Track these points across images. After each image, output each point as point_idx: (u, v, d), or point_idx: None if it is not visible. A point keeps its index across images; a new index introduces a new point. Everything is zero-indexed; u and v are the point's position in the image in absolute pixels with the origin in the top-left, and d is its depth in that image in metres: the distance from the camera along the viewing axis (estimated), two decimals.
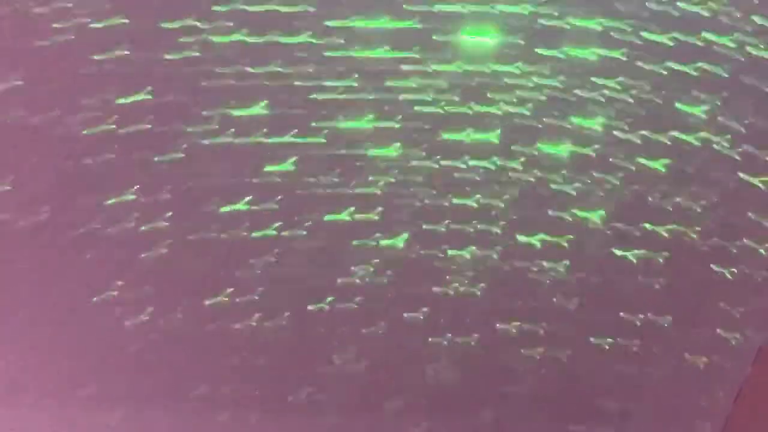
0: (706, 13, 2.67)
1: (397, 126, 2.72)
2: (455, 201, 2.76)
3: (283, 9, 2.64)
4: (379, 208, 2.77)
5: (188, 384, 2.84)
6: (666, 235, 2.78)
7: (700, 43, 2.68)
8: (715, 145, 2.71)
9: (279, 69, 2.65)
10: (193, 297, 2.77)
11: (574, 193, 2.76)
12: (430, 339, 2.84)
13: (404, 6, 2.64)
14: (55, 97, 2.61)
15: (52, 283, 2.72)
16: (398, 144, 2.73)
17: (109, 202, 2.69)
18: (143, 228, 2.72)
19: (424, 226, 2.78)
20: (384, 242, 2.77)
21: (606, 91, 2.70)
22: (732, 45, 2.66)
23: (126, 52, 2.61)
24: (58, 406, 2.78)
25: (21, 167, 2.64)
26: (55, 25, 2.60)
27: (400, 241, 2.78)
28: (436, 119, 2.72)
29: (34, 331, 2.75)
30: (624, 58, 2.68)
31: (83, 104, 2.62)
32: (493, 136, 2.73)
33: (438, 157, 2.74)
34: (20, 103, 2.60)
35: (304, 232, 2.75)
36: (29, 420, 2.76)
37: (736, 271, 2.77)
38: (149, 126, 2.65)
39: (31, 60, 2.59)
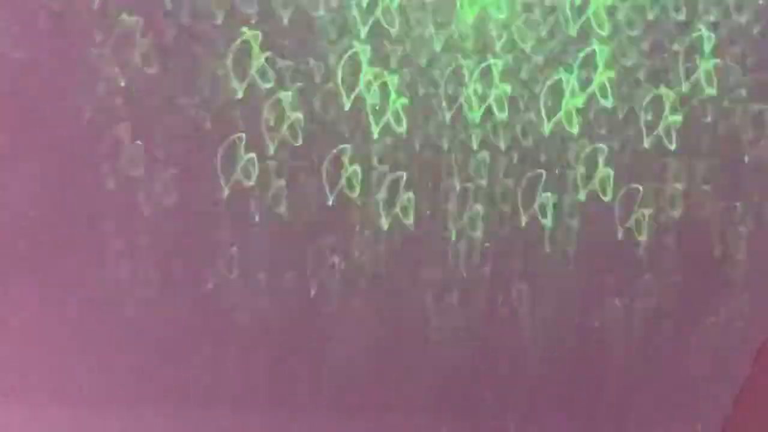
0: None
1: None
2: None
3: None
4: (383, 190, 2.76)
5: (188, 384, 2.84)
6: (667, 236, 2.78)
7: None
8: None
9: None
10: (192, 299, 2.77)
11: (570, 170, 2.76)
12: (430, 339, 2.86)
13: None
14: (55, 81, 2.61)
15: (53, 284, 2.72)
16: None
17: (111, 200, 2.70)
18: (144, 231, 2.72)
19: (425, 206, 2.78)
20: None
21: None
22: None
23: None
24: (58, 406, 2.78)
25: (18, 164, 2.64)
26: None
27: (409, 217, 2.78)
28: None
29: (35, 332, 2.75)
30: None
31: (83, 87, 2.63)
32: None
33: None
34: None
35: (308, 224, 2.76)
36: (30, 420, 2.76)
37: (736, 271, 2.77)
38: (155, 104, 2.66)
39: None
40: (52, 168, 2.67)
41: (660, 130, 2.73)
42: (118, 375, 2.80)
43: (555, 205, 2.76)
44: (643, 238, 2.76)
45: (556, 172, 2.74)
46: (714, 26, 2.71)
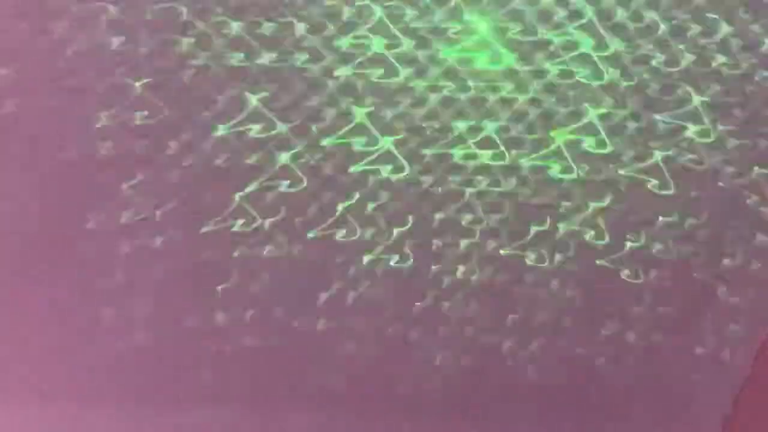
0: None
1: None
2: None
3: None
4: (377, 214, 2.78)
5: (188, 384, 2.84)
6: (665, 234, 2.78)
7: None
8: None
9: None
10: (191, 297, 2.78)
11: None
12: (431, 339, 2.87)
13: None
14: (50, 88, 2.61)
15: (51, 284, 2.73)
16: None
17: (107, 197, 2.70)
18: (142, 229, 2.73)
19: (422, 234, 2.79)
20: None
21: None
22: None
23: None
24: (58, 406, 2.79)
25: (12, 165, 2.64)
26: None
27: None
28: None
29: (35, 332, 2.76)
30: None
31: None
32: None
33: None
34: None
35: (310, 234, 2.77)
36: (30, 420, 2.77)
37: (736, 270, 2.77)
38: (151, 115, 2.66)
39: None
40: (46, 165, 2.67)
41: None
42: (117, 375, 2.81)
43: None
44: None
45: None
46: None
